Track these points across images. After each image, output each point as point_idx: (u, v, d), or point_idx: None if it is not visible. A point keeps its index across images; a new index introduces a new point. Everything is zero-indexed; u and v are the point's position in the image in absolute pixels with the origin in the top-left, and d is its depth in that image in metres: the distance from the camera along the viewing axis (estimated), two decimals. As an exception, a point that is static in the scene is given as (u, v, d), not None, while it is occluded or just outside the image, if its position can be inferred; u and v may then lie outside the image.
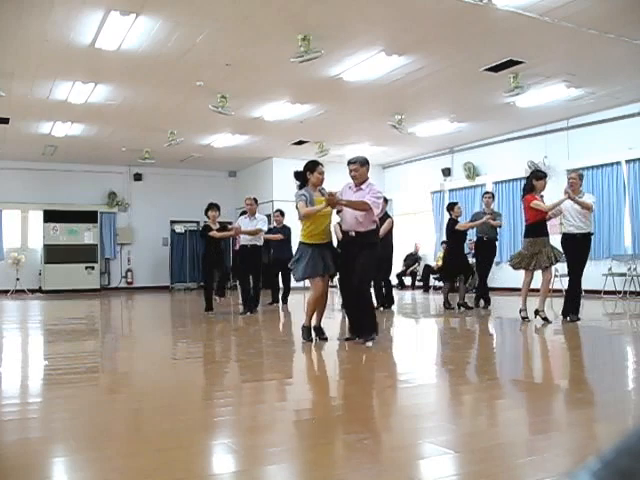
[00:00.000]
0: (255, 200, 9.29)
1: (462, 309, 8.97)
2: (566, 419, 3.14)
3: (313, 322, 5.79)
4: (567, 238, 7.23)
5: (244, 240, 9.04)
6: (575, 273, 7.27)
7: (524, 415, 3.23)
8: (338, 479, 2.20)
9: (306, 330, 5.77)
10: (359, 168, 5.57)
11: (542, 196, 7.31)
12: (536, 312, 7.12)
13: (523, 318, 7.21)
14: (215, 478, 2.26)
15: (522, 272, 7.34)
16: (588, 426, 2.94)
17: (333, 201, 5.37)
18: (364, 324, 5.59)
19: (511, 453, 2.49)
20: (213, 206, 9.00)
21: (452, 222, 9.18)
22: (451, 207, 9.36)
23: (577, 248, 7.16)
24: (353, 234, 5.52)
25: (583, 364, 4.97)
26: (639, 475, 0.50)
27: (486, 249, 9.29)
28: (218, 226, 8.97)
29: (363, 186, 5.57)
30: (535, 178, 7.25)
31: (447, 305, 9.19)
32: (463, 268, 9.23)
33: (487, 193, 9.87)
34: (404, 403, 3.55)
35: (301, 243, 5.71)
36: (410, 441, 2.69)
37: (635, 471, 0.50)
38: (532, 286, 7.28)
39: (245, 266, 9.12)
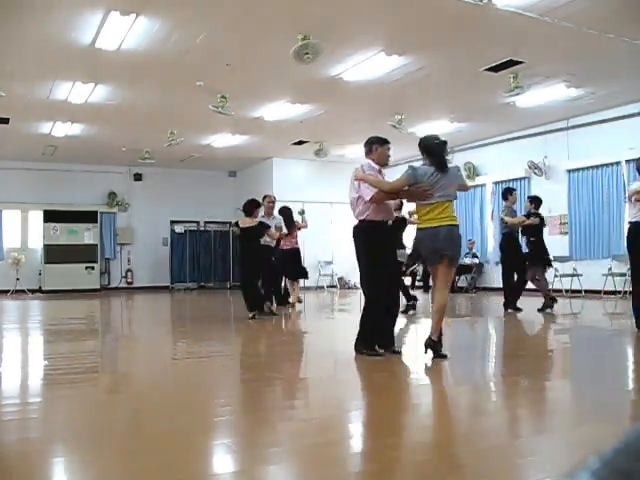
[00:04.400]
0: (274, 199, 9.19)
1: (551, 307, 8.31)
2: (566, 419, 3.14)
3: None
4: None
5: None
6: None
7: (525, 414, 3.23)
8: (338, 479, 2.20)
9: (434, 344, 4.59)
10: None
11: None
12: None
13: None
14: (215, 478, 2.25)
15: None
16: (588, 426, 2.94)
17: None
18: (393, 330, 4.98)
19: (511, 453, 2.49)
20: (259, 203, 8.47)
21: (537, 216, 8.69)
22: (532, 201, 8.90)
23: None
24: (390, 222, 5.07)
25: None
26: (638, 474, 0.50)
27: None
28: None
29: (383, 171, 5.05)
30: None
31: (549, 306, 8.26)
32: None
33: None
34: (405, 403, 3.55)
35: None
36: (410, 441, 2.69)
37: (634, 470, 0.50)
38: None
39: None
